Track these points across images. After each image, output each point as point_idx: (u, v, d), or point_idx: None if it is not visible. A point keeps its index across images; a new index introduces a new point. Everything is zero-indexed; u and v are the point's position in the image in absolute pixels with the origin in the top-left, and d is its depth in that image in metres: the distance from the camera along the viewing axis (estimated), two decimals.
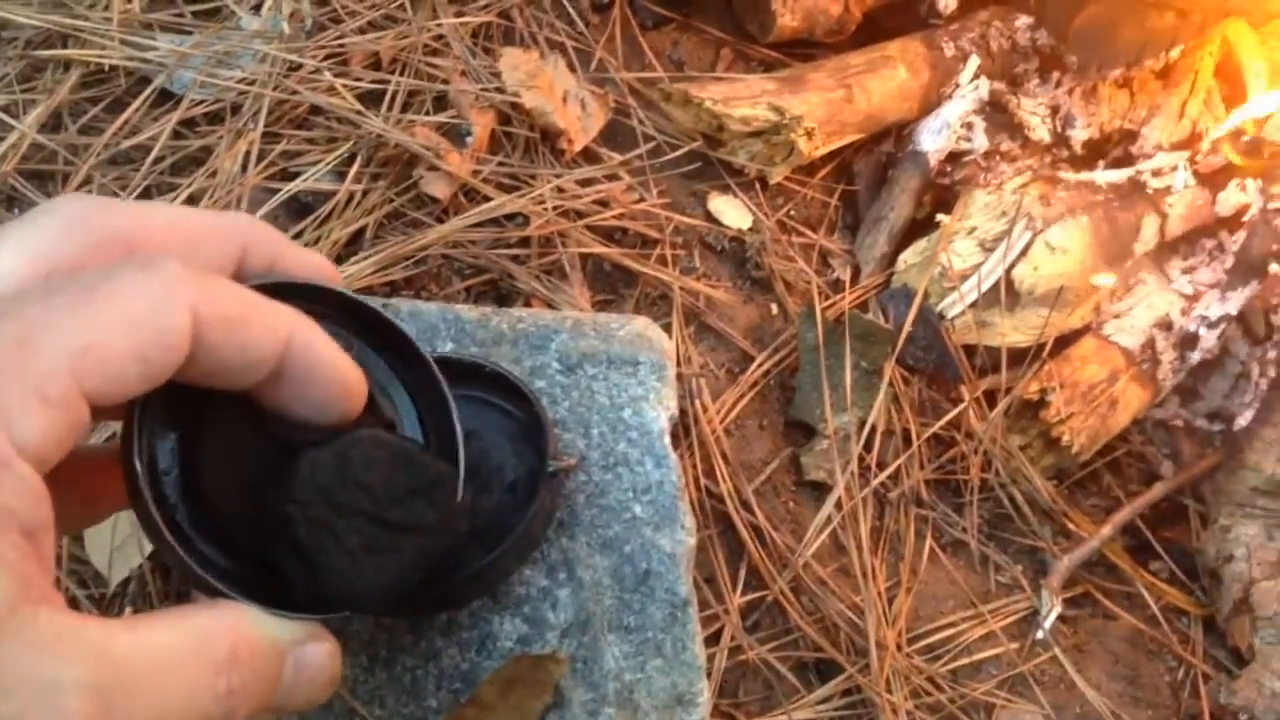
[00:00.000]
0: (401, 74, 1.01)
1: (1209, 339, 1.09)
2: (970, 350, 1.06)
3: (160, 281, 0.38)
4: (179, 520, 0.43)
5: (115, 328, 0.37)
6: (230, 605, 0.42)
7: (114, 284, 0.37)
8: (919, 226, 1.14)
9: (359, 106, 0.97)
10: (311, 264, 0.48)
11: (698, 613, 0.72)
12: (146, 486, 0.42)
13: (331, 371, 0.44)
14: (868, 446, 0.99)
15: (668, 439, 0.75)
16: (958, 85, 1.18)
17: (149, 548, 0.77)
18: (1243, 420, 1.06)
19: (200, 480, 0.44)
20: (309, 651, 0.44)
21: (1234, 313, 1.09)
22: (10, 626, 0.33)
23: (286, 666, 0.43)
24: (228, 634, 0.40)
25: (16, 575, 0.34)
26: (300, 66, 0.97)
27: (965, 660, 0.94)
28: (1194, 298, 1.11)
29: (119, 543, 0.77)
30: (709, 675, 0.79)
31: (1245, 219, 1.13)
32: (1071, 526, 1.02)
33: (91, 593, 0.77)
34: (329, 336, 0.44)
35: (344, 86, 0.98)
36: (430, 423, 0.52)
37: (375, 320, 0.50)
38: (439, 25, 1.04)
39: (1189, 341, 1.09)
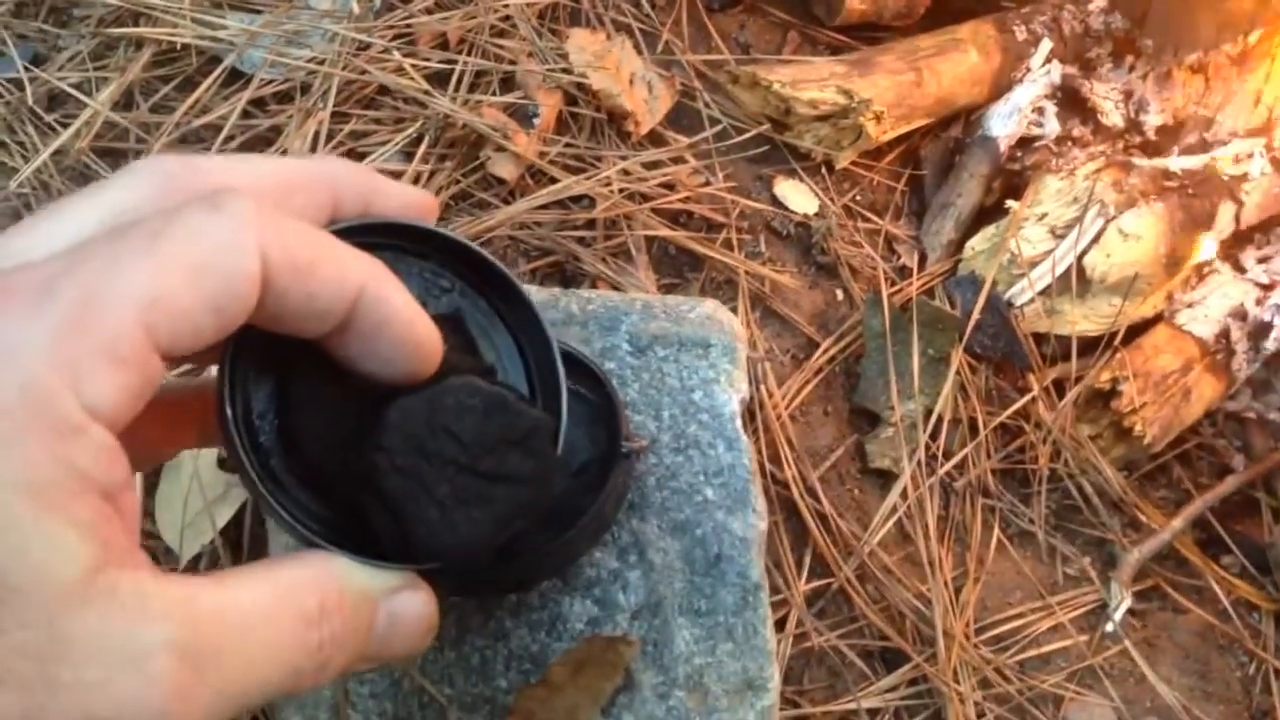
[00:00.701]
0: (469, 54, 1.00)
1: None
2: (1039, 338, 1.04)
3: (228, 223, 0.36)
4: (273, 466, 0.42)
5: (183, 275, 0.35)
6: (319, 555, 0.41)
7: (180, 228, 0.35)
8: (987, 213, 1.12)
9: (427, 86, 0.97)
10: (408, 200, 0.46)
11: (768, 597, 0.71)
12: (239, 434, 0.41)
13: (404, 329, 0.41)
14: (934, 435, 0.98)
15: (739, 422, 0.74)
16: (1029, 69, 1.16)
17: (221, 523, 0.77)
18: None
19: (295, 426, 0.43)
20: (402, 600, 0.42)
21: None
22: (93, 591, 0.33)
23: (379, 616, 0.42)
24: (317, 585, 0.39)
25: (97, 539, 0.33)
26: (369, 46, 0.97)
27: (1034, 652, 0.92)
28: (1269, 287, 1.09)
29: (190, 519, 0.78)
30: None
31: None
32: (1142, 518, 1.01)
33: (162, 568, 0.78)
34: (408, 292, 0.41)
35: (412, 66, 0.98)
36: (535, 368, 0.50)
37: (477, 260, 0.48)
38: (506, 6, 1.04)
39: (1263, 331, 1.07)
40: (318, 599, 0.39)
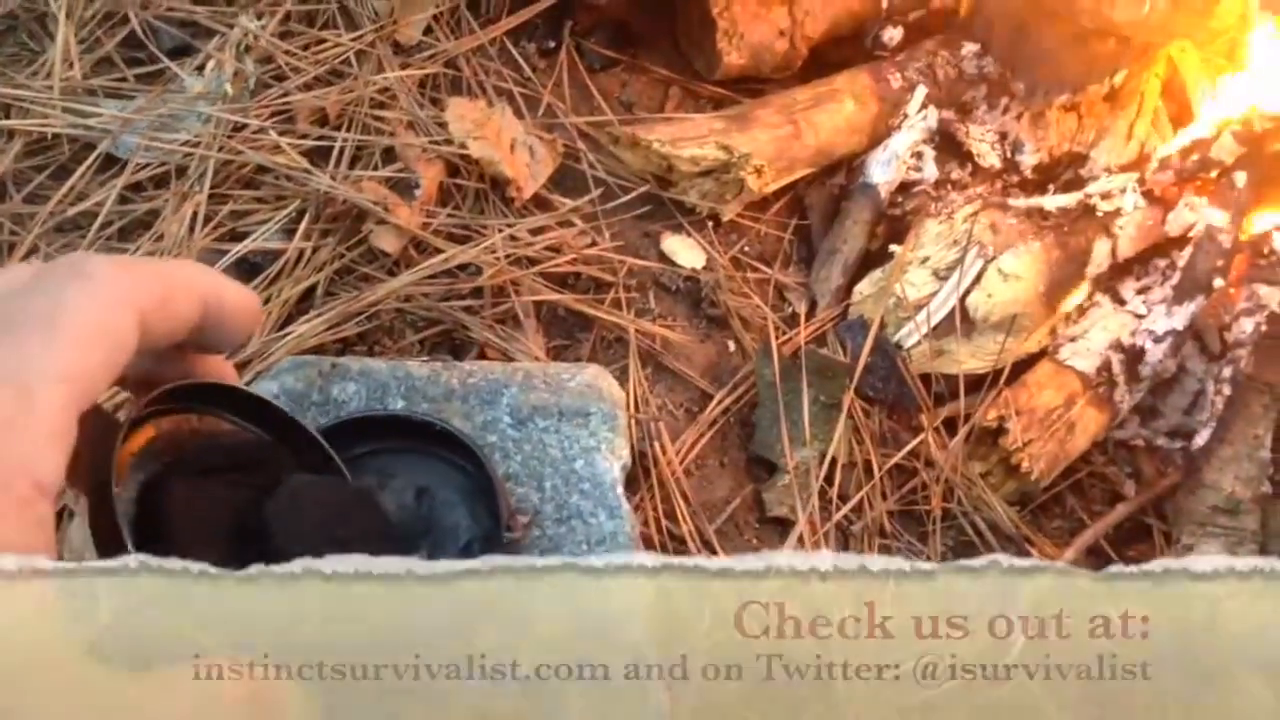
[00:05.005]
0: (348, 129, 1.01)
1: (1155, 353, 1.09)
2: (928, 379, 1.06)
3: (103, 288, 0.39)
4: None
5: (86, 347, 0.38)
6: None
7: (68, 306, 0.39)
8: (873, 258, 1.14)
9: (306, 164, 0.97)
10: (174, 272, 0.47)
11: None
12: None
13: (240, 311, 0.46)
14: (829, 480, 0.99)
15: (620, 489, 0.75)
16: (906, 116, 1.18)
17: None
18: (1200, 439, 1.06)
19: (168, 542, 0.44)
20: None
21: (1180, 327, 1.09)
22: None
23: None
24: None
25: None
26: (245, 126, 0.97)
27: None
28: (1146, 317, 1.12)
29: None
30: None
31: (1191, 235, 1.13)
32: (1034, 552, 1.03)
33: None
34: (227, 278, 0.46)
35: (289, 145, 0.98)
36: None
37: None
38: (385, 78, 1.04)
39: (1136, 356, 1.09)
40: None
